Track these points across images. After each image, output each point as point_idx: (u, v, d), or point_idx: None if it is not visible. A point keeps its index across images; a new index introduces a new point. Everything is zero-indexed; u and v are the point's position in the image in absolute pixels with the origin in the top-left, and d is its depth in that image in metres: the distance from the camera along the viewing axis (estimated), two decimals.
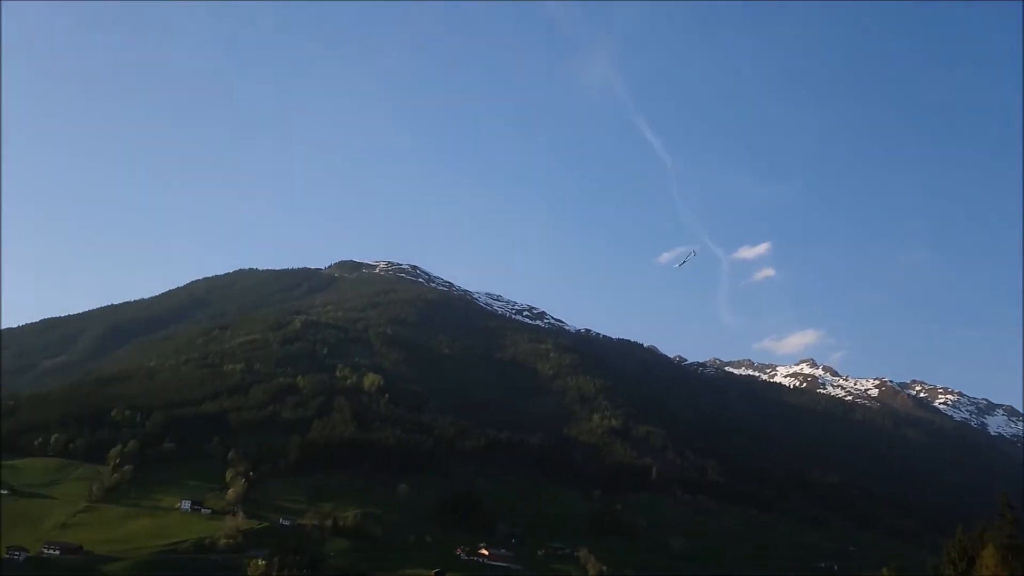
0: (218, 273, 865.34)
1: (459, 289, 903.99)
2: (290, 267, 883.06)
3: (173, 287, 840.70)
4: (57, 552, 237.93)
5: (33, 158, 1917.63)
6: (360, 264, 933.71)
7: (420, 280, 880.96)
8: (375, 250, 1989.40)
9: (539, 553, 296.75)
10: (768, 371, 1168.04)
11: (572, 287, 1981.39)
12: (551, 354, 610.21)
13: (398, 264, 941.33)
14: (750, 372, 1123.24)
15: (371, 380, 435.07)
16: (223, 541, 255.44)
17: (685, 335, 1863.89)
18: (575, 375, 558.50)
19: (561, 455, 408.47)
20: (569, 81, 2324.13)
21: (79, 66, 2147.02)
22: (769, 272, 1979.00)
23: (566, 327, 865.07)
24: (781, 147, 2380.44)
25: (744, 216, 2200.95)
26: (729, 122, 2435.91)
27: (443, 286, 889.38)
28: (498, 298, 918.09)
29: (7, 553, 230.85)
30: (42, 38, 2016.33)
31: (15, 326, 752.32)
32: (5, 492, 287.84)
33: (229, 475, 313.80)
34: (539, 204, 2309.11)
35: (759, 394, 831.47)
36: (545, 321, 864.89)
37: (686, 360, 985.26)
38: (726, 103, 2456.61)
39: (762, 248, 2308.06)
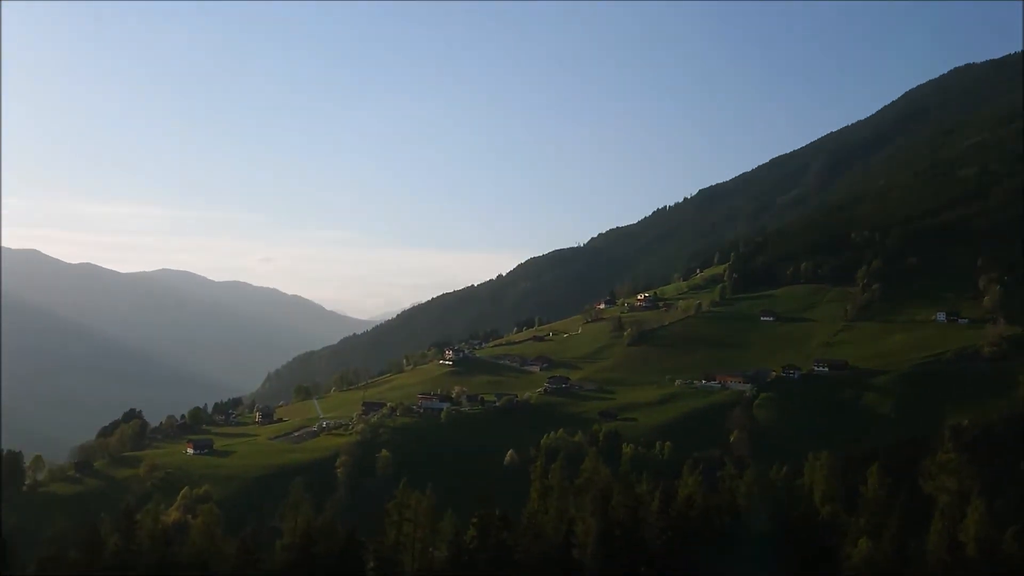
0: (932, 77, 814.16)
1: None
2: (1011, 52, 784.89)
3: (887, 102, 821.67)
4: (826, 369, 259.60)
5: None
6: None
7: None
8: None
9: None
10: None
11: None
12: None
13: None
14: None
15: None
16: (986, 349, 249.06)
17: None
18: None
19: None
20: None
21: None
22: None
23: None
24: None
25: None
26: None
27: None
28: None
29: (782, 371, 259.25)
30: None
31: (748, 170, 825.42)
32: (770, 319, 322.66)
33: (982, 283, 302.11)
34: None
35: None
36: None
37: None
38: None
39: None
